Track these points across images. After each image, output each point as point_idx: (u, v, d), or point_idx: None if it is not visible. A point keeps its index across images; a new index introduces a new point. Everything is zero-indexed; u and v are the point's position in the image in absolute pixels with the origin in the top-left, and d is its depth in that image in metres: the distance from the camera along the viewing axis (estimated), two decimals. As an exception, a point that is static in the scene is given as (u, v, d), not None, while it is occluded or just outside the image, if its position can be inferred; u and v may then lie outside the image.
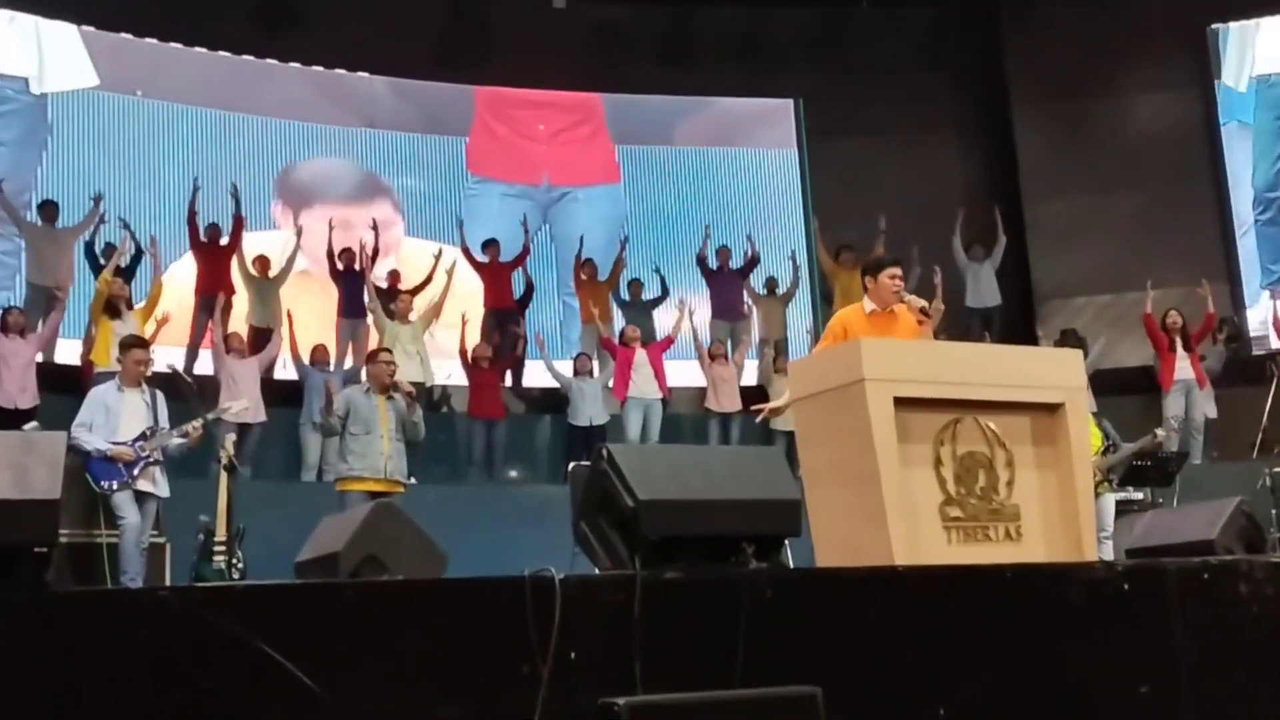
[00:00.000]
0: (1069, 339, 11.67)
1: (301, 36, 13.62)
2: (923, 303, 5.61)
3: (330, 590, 3.41)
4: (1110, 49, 13.94)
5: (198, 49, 13.50)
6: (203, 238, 11.82)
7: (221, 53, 13.65)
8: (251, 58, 13.83)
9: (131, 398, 7.61)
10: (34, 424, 8.72)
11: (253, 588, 3.39)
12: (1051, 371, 4.77)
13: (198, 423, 7.74)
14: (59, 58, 12.72)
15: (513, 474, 11.47)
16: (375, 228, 12.82)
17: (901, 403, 4.30)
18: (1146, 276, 12.07)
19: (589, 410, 11.16)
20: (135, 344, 7.86)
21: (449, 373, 11.99)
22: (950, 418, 4.42)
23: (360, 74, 14.32)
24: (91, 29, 12.95)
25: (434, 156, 14.55)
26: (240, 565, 7.45)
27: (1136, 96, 14.19)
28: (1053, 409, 4.61)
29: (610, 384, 11.48)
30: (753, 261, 13.48)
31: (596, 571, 3.71)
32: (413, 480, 10.09)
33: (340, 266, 12.10)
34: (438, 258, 12.33)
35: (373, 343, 10.61)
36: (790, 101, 15.15)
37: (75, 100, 12.96)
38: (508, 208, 14.10)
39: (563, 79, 14.58)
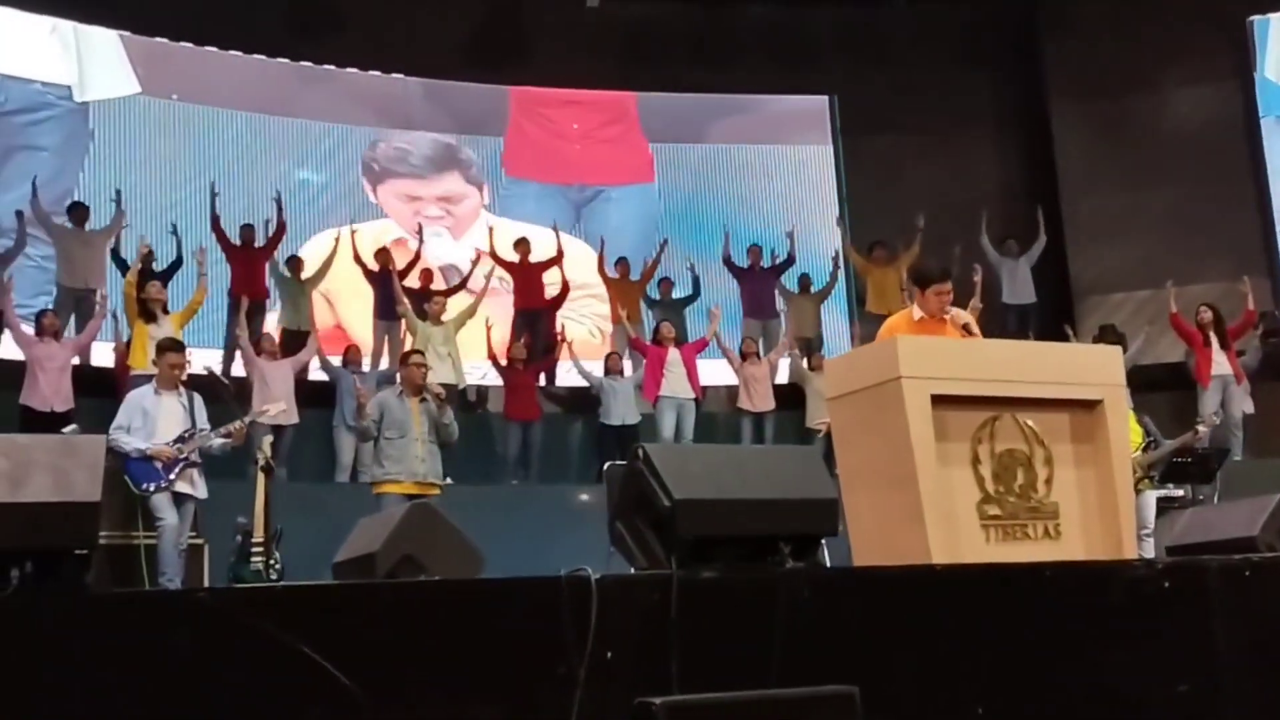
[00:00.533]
0: (1108, 335, 11.58)
1: (336, 39, 13.73)
2: (968, 318, 5.57)
3: (367, 591, 3.42)
4: (1148, 43, 13.85)
5: (233, 52, 13.63)
6: (236, 240, 11.87)
7: (257, 56, 13.78)
8: (287, 61, 13.95)
9: (168, 400, 7.65)
10: (73, 427, 8.78)
11: (290, 588, 3.41)
12: (1090, 368, 4.73)
13: (237, 424, 7.79)
14: (100, 66, 12.89)
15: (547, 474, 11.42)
16: (420, 233, 12.92)
17: (939, 400, 4.28)
18: (1185, 272, 11.98)
19: (621, 410, 11.12)
20: (171, 347, 7.90)
21: (483, 373, 12.03)
22: (988, 415, 4.39)
23: (395, 75, 14.40)
24: (127, 34, 13.09)
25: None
26: (278, 566, 7.48)
27: (1174, 91, 14.05)
28: (1092, 406, 4.58)
29: (642, 384, 11.46)
30: (788, 261, 13.42)
31: (633, 571, 3.69)
32: (449, 481, 10.14)
33: (375, 268, 12.14)
34: (475, 262, 12.39)
35: (407, 345, 10.63)
36: (825, 99, 15.12)
37: (114, 105, 13.09)
38: (543, 208, 14.17)
39: (597, 78, 14.62)
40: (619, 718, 3.00)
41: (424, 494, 7.61)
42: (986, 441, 4.36)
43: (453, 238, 14.03)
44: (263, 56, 13.81)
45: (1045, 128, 14.48)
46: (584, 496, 9.91)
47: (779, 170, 15.19)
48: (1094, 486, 4.51)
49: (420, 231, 12.88)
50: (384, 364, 11.43)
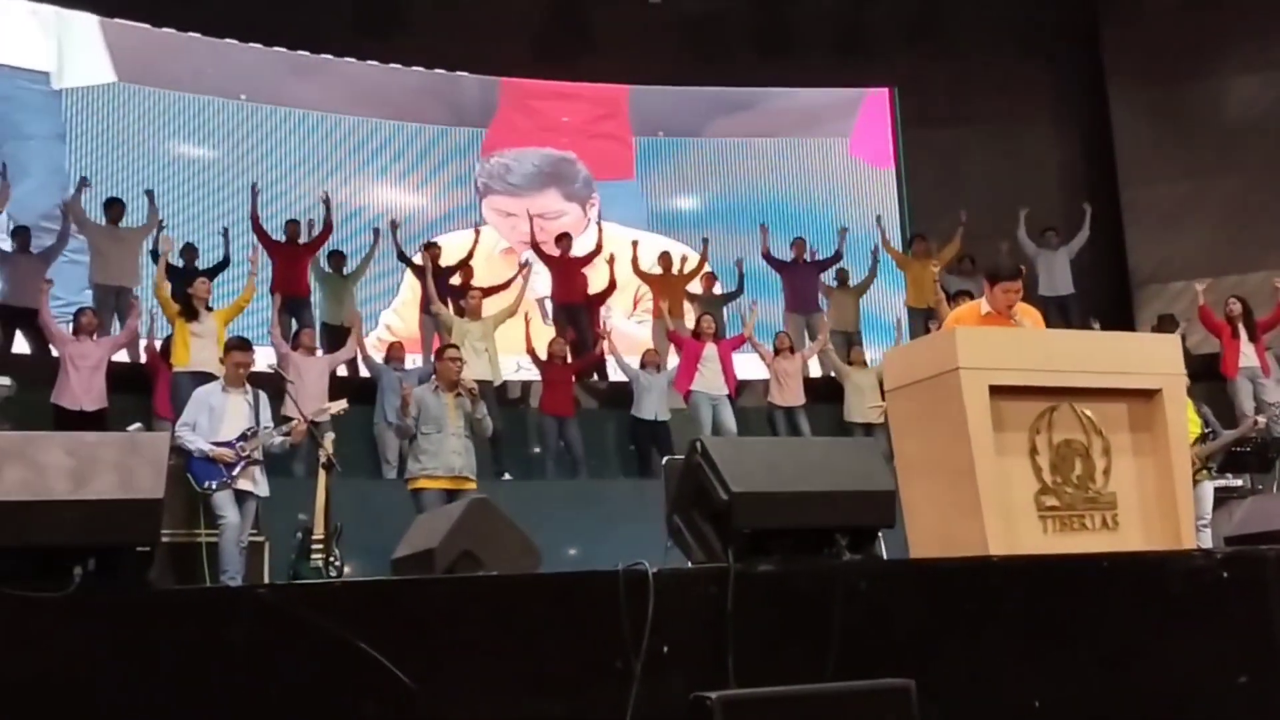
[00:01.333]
0: (1166, 324, 11.45)
1: (399, 37, 13.85)
2: (1037, 316, 5.54)
3: (426, 586, 3.44)
4: (1208, 30, 13.67)
5: (301, 52, 13.82)
6: (280, 236, 11.93)
7: (325, 55, 13.92)
8: (354, 60, 14.08)
9: (234, 398, 7.71)
10: (137, 425, 8.87)
11: (349, 584, 3.44)
12: (1149, 357, 4.67)
13: (296, 422, 7.85)
14: (76, 55, 12.85)
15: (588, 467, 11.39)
16: (477, 231, 13.01)
17: (997, 391, 4.25)
18: (1245, 260, 11.79)
19: (653, 405, 11.05)
20: (238, 346, 7.93)
21: (517, 365, 12.08)
22: (1046, 406, 4.35)
23: (460, 73, 14.51)
24: (196, 35, 13.29)
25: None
26: (337, 563, 7.52)
27: (1235, 78, 13.86)
28: (1150, 395, 4.53)
29: (674, 378, 11.42)
30: (835, 257, 13.34)
31: (689, 565, 3.70)
32: (507, 476, 10.17)
33: (421, 263, 12.20)
34: (523, 265, 12.44)
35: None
36: (885, 90, 15.08)
37: (181, 101, 13.28)
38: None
39: (658, 73, 14.62)
40: (675, 712, 3.01)
41: (458, 489, 7.65)
42: (1044, 432, 4.33)
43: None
44: (330, 56, 13.97)
45: (1105, 116, 14.35)
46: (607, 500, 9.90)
47: (831, 162, 15.13)
48: (1152, 476, 4.46)
49: (477, 231, 12.90)
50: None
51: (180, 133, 13.30)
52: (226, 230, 11.90)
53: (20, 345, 10.91)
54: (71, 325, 9.99)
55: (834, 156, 15.20)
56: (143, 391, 10.06)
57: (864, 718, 3.05)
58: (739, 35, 14.53)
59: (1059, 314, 12.47)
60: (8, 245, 11.21)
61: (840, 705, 3.06)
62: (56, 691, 2.78)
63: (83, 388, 9.54)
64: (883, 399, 5.63)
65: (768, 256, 13.23)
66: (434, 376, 8.13)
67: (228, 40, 13.52)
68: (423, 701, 2.97)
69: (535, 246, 12.70)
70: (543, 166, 14.59)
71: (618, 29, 14.21)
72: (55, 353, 9.97)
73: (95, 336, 9.92)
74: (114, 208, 11.53)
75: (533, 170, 14.54)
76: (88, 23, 12.84)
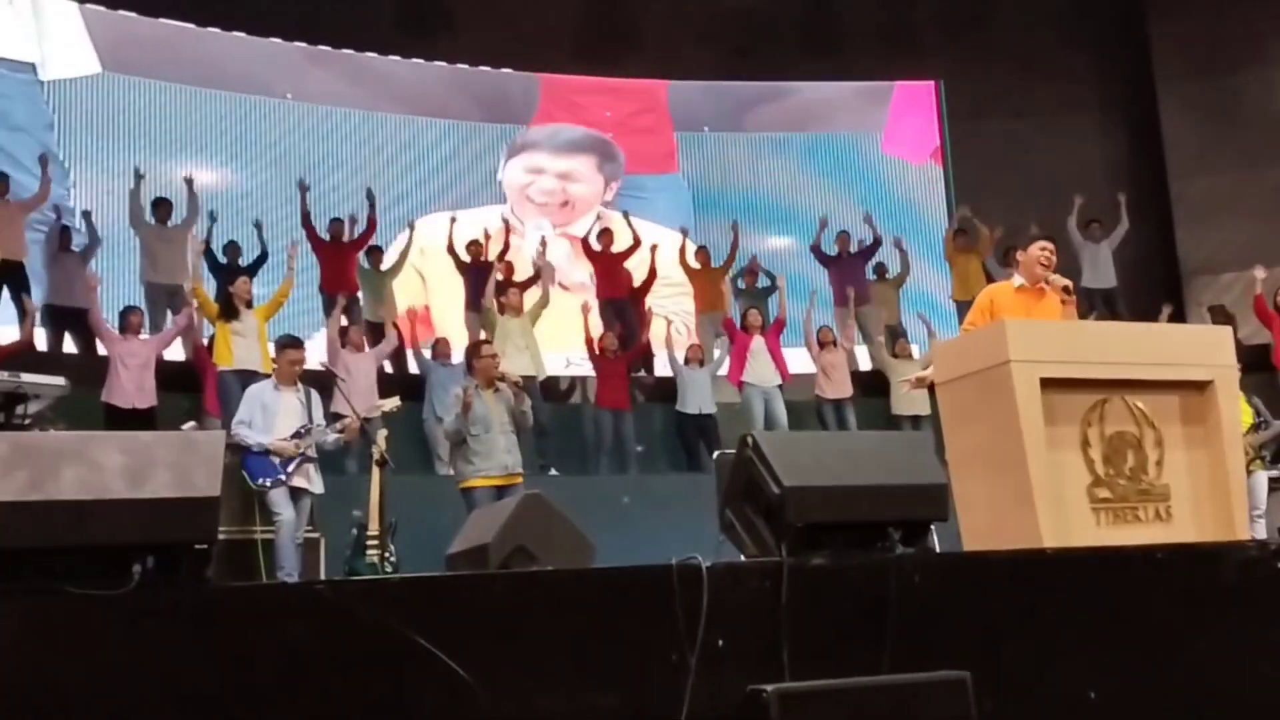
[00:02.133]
0: (1218, 315, 11.32)
1: (442, 35, 13.94)
2: (1066, 281, 5.51)
3: (481, 581, 3.46)
4: (1256, 19, 13.56)
5: (345, 50, 13.89)
6: (325, 234, 11.98)
7: (369, 54, 13.99)
8: (398, 58, 14.15)
9: (287, 396, 7.75)
10: (191, 424, 8.95)
11: (405, 580, 3.45)
12: (1200, 349, 4.64)
13: (349, 419, 7.90)
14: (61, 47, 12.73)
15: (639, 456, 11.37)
16: (506, 226, 13.03)
17: (1048, 384, 4.24)
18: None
19: (697, 398, 11.04)
20: (290, 344, 7.98)
21: (566, 361, 12.09)
22: (1098, 398, 4.34)
23: (502, 70, 14.53)
24: (240, 34, 13.38)
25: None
26: (392, 559, 7.55)
27: (1284, 67, 13.71)
28: (1202, 387, 4.51)
29: (720, 372, 11.38)
30: (874, 244, 13.29)
31: (742, 559, 3.70)
32: (554, 472, 10.18)
33: (467, 259, 12.24)
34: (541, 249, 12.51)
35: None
36: (931, 84, 15.02)
37: (234, 102, 13.39)
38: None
39: (702, 68, 14.59)
40: (731, 705, 3.01)
41: (509, 485, 7.70)
42: (1096, 424, 4.31)
43: (552, 224, 14.18)
44: (374, 54, 14.05)
45: (1152, 108, 14.23)
46: (625, 499, 9.87)
47: (879, 155, 15.08)
48: (1205, 468, 4.43)
49: (507, 226, 12.93)
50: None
51: (220, 130, 13.40)
52: (259, 223, 11.91)
53: (69, 345, 11.02)
54: (119, 324, 10.06)
55: (875, 150, 15.13)
56: (193, 389, 10.12)
57: (920, 710, 3.05)
58: (782, 29, 14.49)
59: (1105, 306, 12.37)
60: (50, 245, 11.32)
61: (896, 697, 3.05)
62: (117, 687, 2.81)
63: (133, 386, 9.58)
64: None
65: (817, 251, 13.20)
66: (471, 375, 8.15)
67: (272, 39, 13.62)
68: (479, 696, 2.98)
69: (585, 244, 12.73)
70: (583, 138, 14.64)
71: (660, 24, 14.19)
72: (104, 351, 10.05)
73: (143, 335, 10.00)
74: (161, 207, 11.58)
75: (577, 135, 14.61)
76: (128, 19, 12.93)
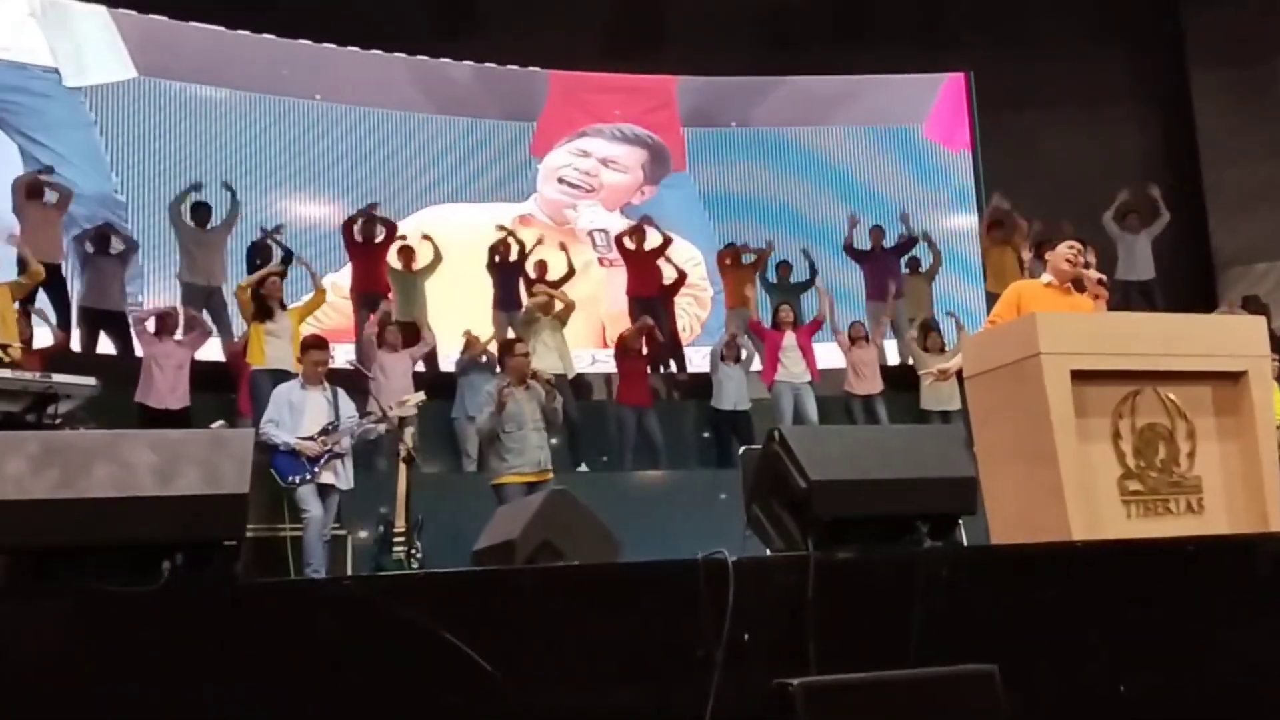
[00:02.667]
0: (1252, 306, 11.22)
1: (471, 35, 13.96)
2: (1099, 275, 5.47)
3: (507, 577, 3.47)
4: (1289, 7, 13.36)
5: (374, 50, 13.94)
6: (357, 237, 12.06)
7: (398, 54, 14.04)
8: (426, 58, 14.20)
9: (313, 395, 7.84)
10: (220, 422, 9.01)
11: (432, 576, 3.47)
12: (1233, 340, 4.59)
13: (381, 413, 7.95)
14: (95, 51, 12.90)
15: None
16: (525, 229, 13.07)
17: (1078, 375, 4.20)
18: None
19: (733, 395, 11.03)
20: (315, 344, 8.07)
21: (592, 358, 12.09)
22: (1129, 390, 4.30)
23: (532, 69, 14.55)
24: (270, 36, 13.49)
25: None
26: (419, 555, 7.60)
27: (1319, 55, 13.56)
28: (1235, 378, 4.46)
29: (755, 369, 11.37)
30: (910, 242, 13.23)
31: (769, 553, 3.69)
32: (583, 468, 10.20)
33: (496, 259, 12.25)
34: (564, 248, 12.52)
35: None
36: (962, 75, 14.94)
37: (258, 103, 13.48)
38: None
39: (733, 63, 14.56)
40: (757, 699, 3.00)
41: (541, 481, 7.73)
42: (1127, 416, 4.27)
43: (604, 208, 14.27)
44: (404, 54, 14.10)
45: (1185, 97, 14.12)
46: (722, 495, 9.87)
47: (909, 149, 15.00)
48: (1238, 459, 4.39)
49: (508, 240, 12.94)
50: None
51: (254, 131, 13.48)
52: (280, 226, 12.06)
53: (104, 345, 11.11)
54: (155, 325, 10.14)
55: (906, 143, 15.05)
56: (226, 389, 10.20)
57: (948, 704, 3.03)
58: (812, 23, 14.43)
59: (1142, 298, 12.27)
60: (88, 247, 11.42)
61: (924, 691, 3.03)
62: (147, 683, 2.82)
63: (168, 386, 9.68)
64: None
65: (849, 249, 13.14)
66: (504, 373, 8.19)
67: (301, 40, 13.70)
68: (506, 691, 2.99)
69: (619, 241, 12.76)
70: (645, 136, 14.68)
71: (688, 20, 14.17)
72: (139, 352, 10.14)
73: (178, 336, 10.08)
74: (200, 212, 11.73)
75: (639, 132, 14.67)
76: (160, 23, 13.05)
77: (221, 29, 13.28)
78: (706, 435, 11.42)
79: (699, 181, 14.83)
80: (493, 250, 12.40)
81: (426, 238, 12.19)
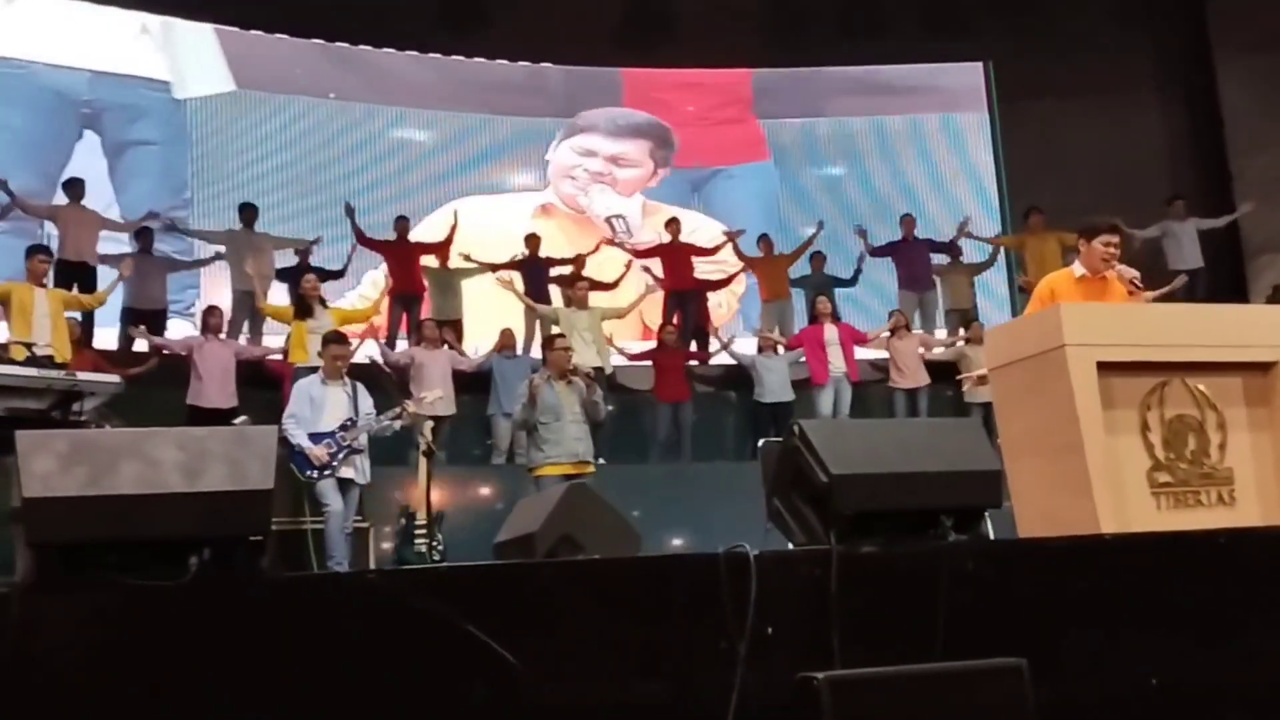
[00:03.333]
0: (1280, 296, 11.14)
1: (481, 31, 13.92)
2: (1134, 273, 5.41)
3: (528, 570, 3.47)
4: (1316, -9, 13.22)
5: (386, 49, 13.95)
6: (391, 234, 12.10)
7: (410, 52, 14.04)
8: (439, 55, 14.20)
9: (333, 390, 7.90)
10: (244, 419, 9.06)
11: (454, 569, 3.47)
12: (1263, 329, 4.55)
13: (400, 409, 7.98)
14: (196, 63, 13.21)
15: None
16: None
17: (1105, 367, 4.18)
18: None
19: (775, 388, 11.01)
20: (334, 340, 8.14)
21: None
22: (1157, 381, 4.27)
23: (544, 64, 14.53)
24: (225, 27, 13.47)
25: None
26: (440, 548, 7.63)
27: (1348, 38, 13.40)
28: (1266, 368, 4.43)
29: (798, 360, 11.33)
30: (953, 249, 13.06)
31: (790, 547, 3.67)
32: (601, 461, 10.21)
33: (526, 252, 12.26)
34: (629, 266, 12.48)
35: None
36: (980, 65, 14.82)
37: (273, 104, 13.51)
38: (662, 191, 14.32)
39: (745, 55, 14.50)
40: (781, 693, 2.99)
41: (579, 473, 7.75)
42: (1155, 408, 4.25)
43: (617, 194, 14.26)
44: (415, 52, 14.09)
45: (1211, 83, 13.95)
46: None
47: (933, 140, 14.93)
48: (1270, 451, 4.36)
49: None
50: (535, 350, 11.52)
51: (274, 133, 13.55)
52: (318, 239, 12.15)
53: (141, 344, 11.19)
54: (200, 324, 10.25)
55: (930, 134, 14.97)
56: (272, 387, 10.27)
57: (975, 698, 3.00)
58: (825, 13, 14.34)
59: (1187, 290, 12.07)
60: (131, 247, 11.51)
61: (950, 685, 3.00)
62: (175, 678, 2.84)
63: (215, 386, 9.81)
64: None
65: (874, 252, 13.00)
66: (545, 367, 8.22)
67: (315, 40, 13.77)
68: (528, 683, 2.99)
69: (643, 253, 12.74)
70: (643, 123, 14.62)
71: (698, 11, 14.11)
72: (182, 351, 10.26)
73: (223, 335, 10.16)
74: (247, 212, 11.80)
75: (638, 120, 14.62)
76: (203, 32, 13.18)
77: (259, 33, 13.40)
78: (730, 436, 11.37)
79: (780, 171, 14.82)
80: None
81: (466, 257, 12.20)
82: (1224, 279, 12.54)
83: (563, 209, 14.08)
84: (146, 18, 12.84)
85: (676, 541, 8.67)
